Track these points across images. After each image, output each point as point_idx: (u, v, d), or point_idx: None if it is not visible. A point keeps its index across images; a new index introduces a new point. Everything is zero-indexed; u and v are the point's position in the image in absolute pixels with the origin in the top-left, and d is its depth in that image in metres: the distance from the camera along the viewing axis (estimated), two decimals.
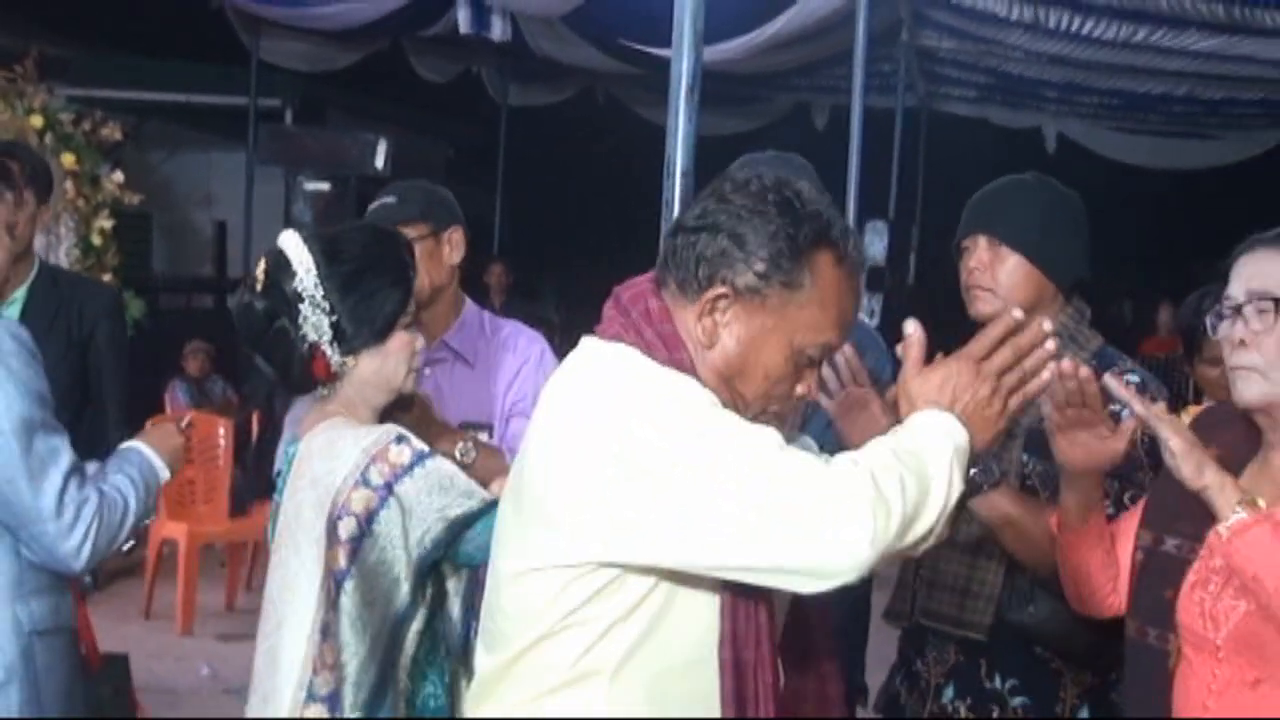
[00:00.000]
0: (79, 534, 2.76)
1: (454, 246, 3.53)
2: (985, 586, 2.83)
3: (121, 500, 2.86)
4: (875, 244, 8.13)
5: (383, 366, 2.55)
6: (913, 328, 1.93)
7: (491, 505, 2.38)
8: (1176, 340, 11.22)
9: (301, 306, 2.51)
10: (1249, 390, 2.35)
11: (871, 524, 1.77)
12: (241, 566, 7.54)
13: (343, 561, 2.38)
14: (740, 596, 1.96)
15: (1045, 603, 2.79)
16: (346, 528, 2.38)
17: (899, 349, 1.97)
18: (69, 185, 6.67)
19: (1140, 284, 12.68)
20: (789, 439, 1.98)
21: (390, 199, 3.59)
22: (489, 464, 2.91)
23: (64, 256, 6.56)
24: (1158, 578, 2.46)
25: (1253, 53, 7.72)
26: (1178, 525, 2.41)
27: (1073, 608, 2.67)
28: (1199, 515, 2.42)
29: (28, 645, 2.81)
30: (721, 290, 1.96)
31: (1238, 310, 2.34)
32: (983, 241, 3.02)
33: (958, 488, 1.84)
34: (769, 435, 1.87)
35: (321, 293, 2.52)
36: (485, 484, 2.62)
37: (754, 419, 1.97)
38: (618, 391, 1.95)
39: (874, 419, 2.68)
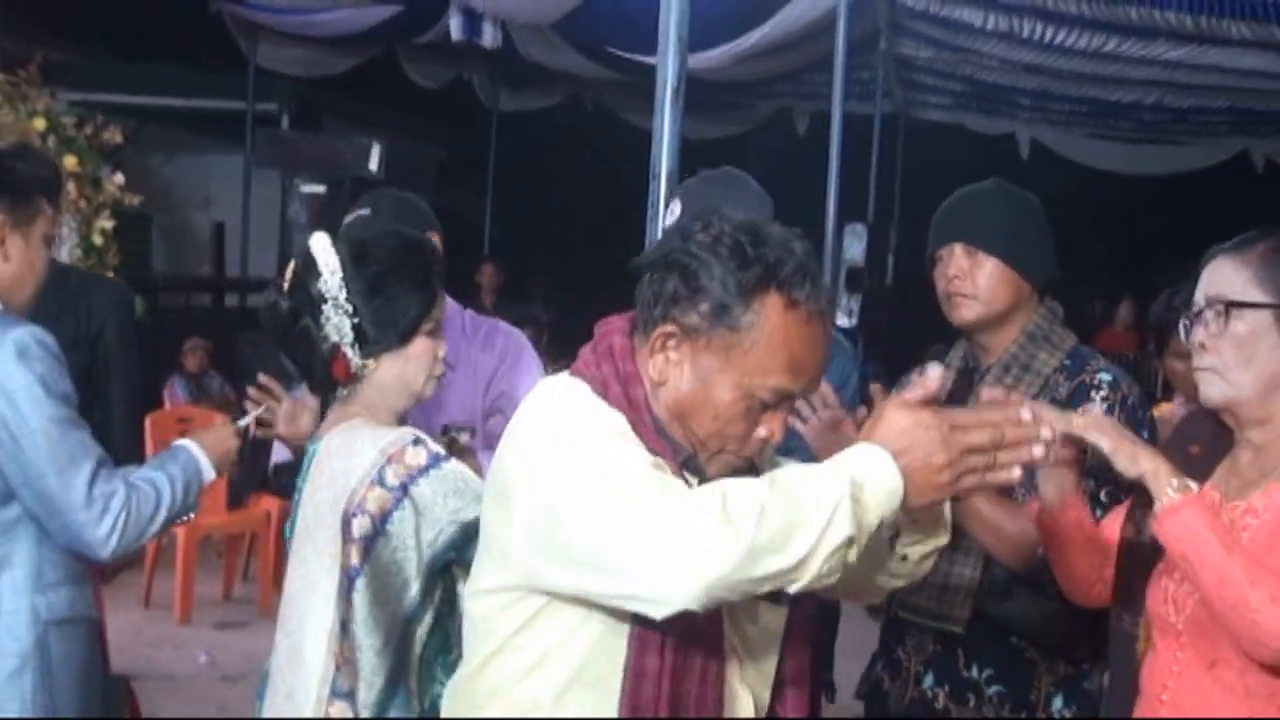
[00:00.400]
0: (107, 524, 2.80)
1: None
2: (963, 581, 2.83)
3: (154, 494, 2.90)
4: (854, 246, 8.13)
5: (403, 370, 2.53)
6: (935, 371, 1.87)
7: None
8: (1132, 335, 11.27)
9: (325, 307, 2.49)
10: (1211, 391, 2.38)
11: (704, 555, 1.71)
12: (238, 557, 7.54)
13: (355, 559, 2.35)
14: (661, 633, 1.90)
15: (1021, 596, 2.79)
16: (360, 526, 2.35)
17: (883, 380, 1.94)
18: (71, 187, 6.64)
19: (1112, 285, 12.70)
20: (770, 464, 1.98)
21: (364, 211, 3.59)
22: (467, 465, 2.92)
23: (66, 256, 6.53)
24: (1136, 567, 2.48)
25: (1219, 62, 7.75)
26: (1147, 517, 2.43)
27: (1066, 599, 2.67)
28: None
29: (43, 635, 2.85)
30: (669, 329, 1.93)
31: (1199, 315, 2.37)
32: (959, 249, 3.02)
33: (841, 529, 1.70)
34: (641, 469, 1.82)
35: (345, 294, 2.50)
36: None
37: (713, 460, 1.95)
38: (536, 426, 1.96)
39: (845, 440, 2.68)
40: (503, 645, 1.98)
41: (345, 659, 2.37)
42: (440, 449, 2.46)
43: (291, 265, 2.57)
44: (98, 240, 6.82)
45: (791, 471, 1.80)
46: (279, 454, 3.64)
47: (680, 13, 2.91)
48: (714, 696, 1.94)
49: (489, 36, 8.95)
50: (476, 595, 2.05)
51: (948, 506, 1.98)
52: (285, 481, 3.57)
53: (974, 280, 3.01)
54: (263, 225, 11.44)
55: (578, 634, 1.91)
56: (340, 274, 2.50)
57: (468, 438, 3.34)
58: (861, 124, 8.86)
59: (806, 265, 1.90)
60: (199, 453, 3.05)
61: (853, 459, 1.76)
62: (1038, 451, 1.75)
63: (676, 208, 3.30)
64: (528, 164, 13.36)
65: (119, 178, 7.01)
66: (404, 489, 2.39)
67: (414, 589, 2.39)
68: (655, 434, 1.96)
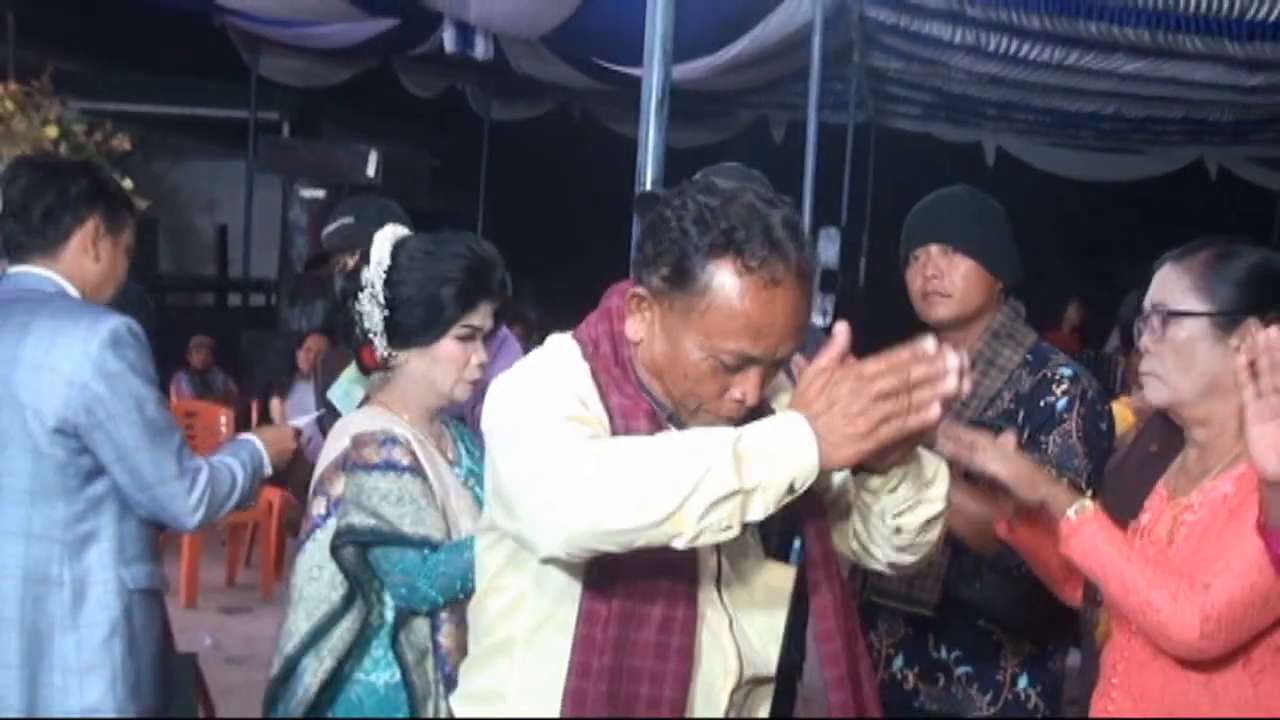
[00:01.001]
0: (195, 496, 2.91)
1: None
2: (932, 566, 2.82)
3: (229, 476, 3.00)
4: (828, 249, 8.14)
5: (430, 369, 2.55)
6: (841, 327, 1.80)
7: (424, 547, 2.41)
8: (1074, 337, 11.26)
9: (362, 295, 2.54)
10: (1154, 393, 2.39)
11: (567, 507, 1.71)
12: (241, 545, 7.53)
13: (304, 530, 2.46)
14: (612, 581, 1.88)
15: (989, 580, 2.80)
16: (318, 506, 2.43)
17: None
18: None
19: (1070, 287, 12.72)
20: None
21: (348, 219, 3.64)
22: None
23: None
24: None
25: (1175, 75, 7.77)
26: (1119, 512, 2.44)
27: (1031, 583, 2.68)
28: (1135, 502, 2.45)
29: (129, 604, 2.91)
30: (639, 290, 1.92)
31: (1146, 320, 2.38)
32: (935, 250, 3.02)
33: (718, 485, 1.66)
34: (559, 425, 1.80)
35: (382, 285, 2.52)
36: None
37: (693, 417, 1.92)
38: (504, 379, 1.96)
39: None
40: (490, 584, 2.01)
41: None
42: (413, 462, 2.47)
43: (359, 252, 2.63)
44: None
45: (686, 431, 1.79)
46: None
47: (665, 27, 2.91)
48: (679, 644, 1.89)
49: (481, 49, 8.93)
50: (478, 533, 2.09)
51: (932, 467, 1.93)
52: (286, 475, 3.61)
53: (950, 279, 3.01)
54: (264, 228, 11.42)
55: (547, 577, 1.91)
56: (384, 268, 2.53)
57: None
58: (835, 133, 8.87)
59: (770, 231, 1.82)
60: (261, 447, 3.12)
61: (755, 423, 1.74)
62: (950, 383, 1.67)
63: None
64: (518, 170, 13.34)
65: (127, 183, 6.95)
66: (352, 474, 2.45)
67: (335, 573, 2.47)
68: (638, 392, 1.95)
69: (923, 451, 1.92)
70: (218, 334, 9.29)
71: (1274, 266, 2.37)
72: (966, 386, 1.69)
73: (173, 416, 2.98)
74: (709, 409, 1.90)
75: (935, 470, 1.94)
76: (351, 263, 2.64)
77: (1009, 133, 12.26)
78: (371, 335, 2.55)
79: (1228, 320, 2.31)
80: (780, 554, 1.94)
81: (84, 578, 2.89)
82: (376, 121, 12.64)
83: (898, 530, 1.95)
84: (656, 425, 1.91)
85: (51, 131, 6.54)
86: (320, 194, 9.35)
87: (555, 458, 1.75)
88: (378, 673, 2.52)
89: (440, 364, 2.55)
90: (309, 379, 7.28)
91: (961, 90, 9.87)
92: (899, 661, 2.99)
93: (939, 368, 1.68)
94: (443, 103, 12.27)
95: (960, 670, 2.99)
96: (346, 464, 2.45)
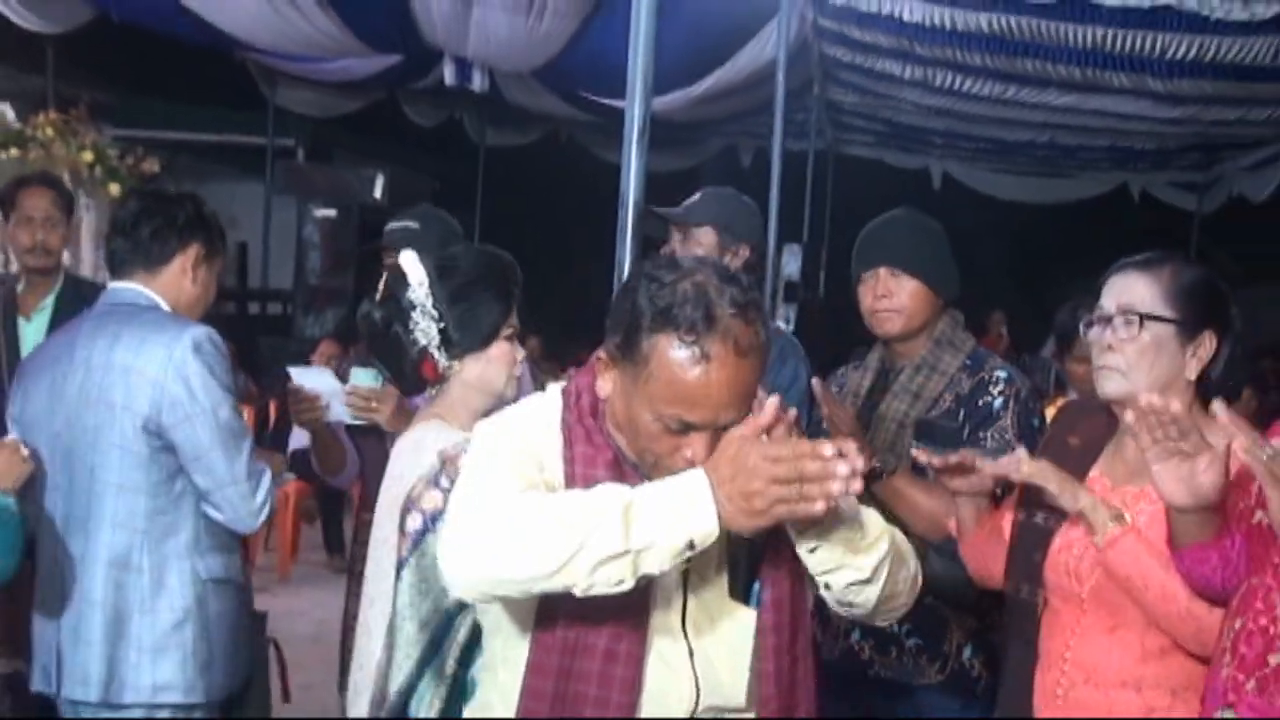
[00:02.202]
0: (260, 498, 2.92)
1: None
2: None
3: (270, 479, 2.98)
4: (791, 263, 8.16)
5: (484, 371, 2.51)
6: (771, 400, 1.74)
7: None
8: (999, 340, 11.27)
9: (414, 314, 2.48)
10: (1110, 386, 2.39)
11: (470, 556, 1.75)
12: (260, 530, 7.47)
13: (405, 550, 2.28)
14: (558, 612, 1.86)
15: (937, 562, 2.80)
16: (413, 522, 2.28)
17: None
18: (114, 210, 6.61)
19: (1006, 299, 12.75)
20: None
21: (414, 224, 3.59)
22: None
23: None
24: (1029, 544, 2.48)
25: (1101, 107, 7.81)
26: (1044, 502, 2.44)
27: (980, 586, 2.69)
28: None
29: (202, 592, 2.92)
30: (600, 353, 1.90)
31: (1108, 320, 2.38)
32: (883, 272, 3.04)
33: (605, 543, 1.65)
34: (498, 478, 1.82)
35: (432, 302, 2.48)
36: None
37: (652, 471, 1.86)
38: (488, 423, 2.00)
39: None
40: (480, 611, 2.03)
41: (388, 643, 2.31)
42: None
43: (383, 279, 2.55)
44: None
45: (593, 489, 1.76)
46: (297, 440, 3.63)
47: (645, 63, 2.91)
48: (624, 675, 1.86)
49: (477, 82, 8.93)
50: None
51: (871, 537, 1.88)
52: (302, 465, 3.57)
53: (898, 298, 3.03)
54: (281, 244, 11.38)
55: (509, 604, 1.91)
56: (427, 285, 2.48)
57: None
58: (797, 159, 8.88)
59: (710, 309, 1.76)
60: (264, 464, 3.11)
61: (660, 483, 1.73)
62: (835, 489, 1.62)
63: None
64: (511, 192, 13.32)
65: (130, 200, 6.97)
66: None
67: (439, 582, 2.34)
68: (605, 441, 1.93)
69: (866, 521, 1.88)
70: (238, 340, 9.21)
71: (1217, 283, 2.41)
72: (856, 486, 1.63)
73: (245, 423, 2.96)
74: (664, 465, 1.85)
75: (873, 541, 1.88)
76: (380, 290, 2.56)
77: (953, 159, 12.28)
78: (430, 350, 2.49)
79: (1191, 330, 2.33)
80: (744, 594, 1.90)
81: (162, 566, 2.90)
82: (383, 148, 12.62)
83: (826, 586, 1.90)
84: (618, 473, 1.89)
85: (88, 156, 6.53)
86: (332, 213, 9.35)
87: (471, 507, 1.77)
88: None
89: (494, 365, 2.51)
90: None
91: (910, 121, 9.90)
92: (856, 634, 2.99)
93: (828, 469, 1.62)
94: (442, 131, 12.25)
95: (911, 642, 3.00)
96: (440, 480, 2.28)
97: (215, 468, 2.87)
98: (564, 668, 1.87)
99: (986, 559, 2.61)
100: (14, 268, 4.84)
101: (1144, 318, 2.33)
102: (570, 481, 1.88)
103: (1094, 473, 2.48)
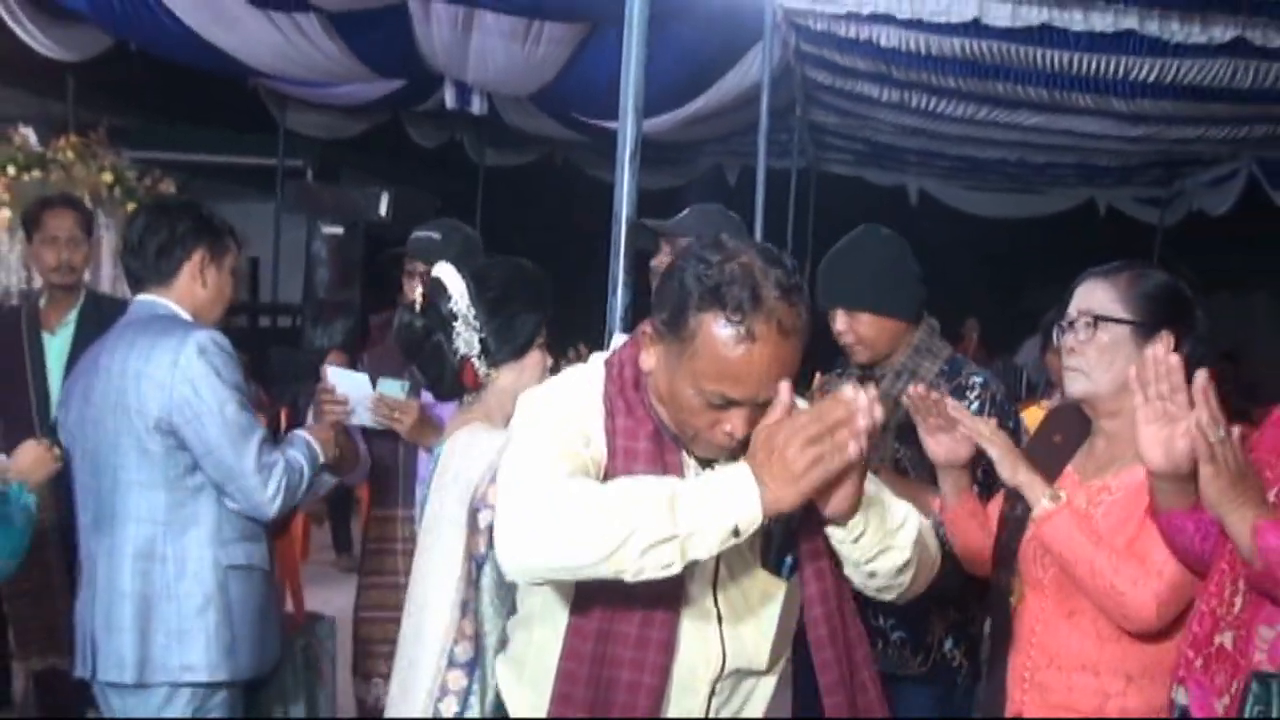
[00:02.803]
0: (272, 487, 2.93)
1: None
2: None
3: (300, 467, 3.03)
4: None
5: (519, 379, 2.49)
6: (784, 385, 1.77)
7: None
8: (973, 346, 11.33)
9: (455, 324, 2.47)
10: (1074, 386, 2.42)
11: (525, 543, 1.73)
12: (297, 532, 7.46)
13: (482, 547, 2.26)
14: (597, 615, 1.86)
15: None
16: (485, 518, 2.25)
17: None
18: None
19: (980, 307, 12.77)
20: None
21: (435, 234, 3.61)
22: None
23: (128, 288, 6.49)
24: (1011, 534, 2.51)
25: (1069, 127, 7.83)
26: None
27: (955, 561, 2.70)
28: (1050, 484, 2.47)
29: (223, 579, 2.95)
30: (647, 328, 1.91)
31: (1071, 325, 2.41)
32: (839, 313, 3.07)
33: (654, 529, 1.65)
34: (548, 459, 1.80)
35: (473, 313, 2.46)
36: None
37: (693, 444, 1.89)
38: (536, 392, 2.00)
39: None
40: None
41: (464, 634, 2.29)
42: None
43: (419, 291, 2.54)
44: None
45: (639, 479, 1.76)
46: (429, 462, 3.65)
47: (636, 87, 2.93)
48: (659, 638, 1.86)
49: (477, 105, 8.94)
50: None
51: (899, 516, 1.89)
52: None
53: (856, 333, 3.06)
54: (290, 260, 11.35)
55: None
56: (467, 296, 2.48)
57: None
58: (781, 176, 8.89)
59: (757, 290, 1.78)
60: (312, 440, 3.15)
61: (705, 475, 1.76)
62: (862, 423, 1.65)
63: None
64: (509, 210, 13.32)
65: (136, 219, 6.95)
66: None
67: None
68: (646, 413, 1.92)
69: (889, 500, 1.90)
70: (250, 351, 9.20)
71: (1180, 290, 2.42)
72: (879, 414, 1.66)
73: (255, 418, 2.99)
74: (704, 438, 1.87)
75: (903, 518, 1.90)
76: (419, 302, 2.54)
77: (929, 177, 12.30)
78: (470, 358, 2.47)
79: (1147, 330, 2.35)
80: (775, 567, 1.92)
81: (183, 555, 2.94)
82: (387, 168, 12.61)
83: (871, 575, 1.91)
84: (658, 445, 1.89)
85: (107, 177, 6.52)
86: (339, 230, 9.32)
87: (526, 495, 1.75)
88: None
89: (529, 372, 2.51)
90: None
91: (888, 140, 9.92)
92: None
93: (851, 409, 1.66)
94: (444, 151, 12.25)
95: (895, 635, 3.02)
96: None
97: (225, 461, 2.90)
98: (602, 631, 1.86)
99: (968, 535, 2.63)
100: (36, 284, 4.83)
101: (1099, 319, 2.36)
102: (613, 453, 1.87)
103: (1068, 468, 2.51)
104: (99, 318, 4.38)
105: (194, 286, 3.07)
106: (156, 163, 7.67)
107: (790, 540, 1.92)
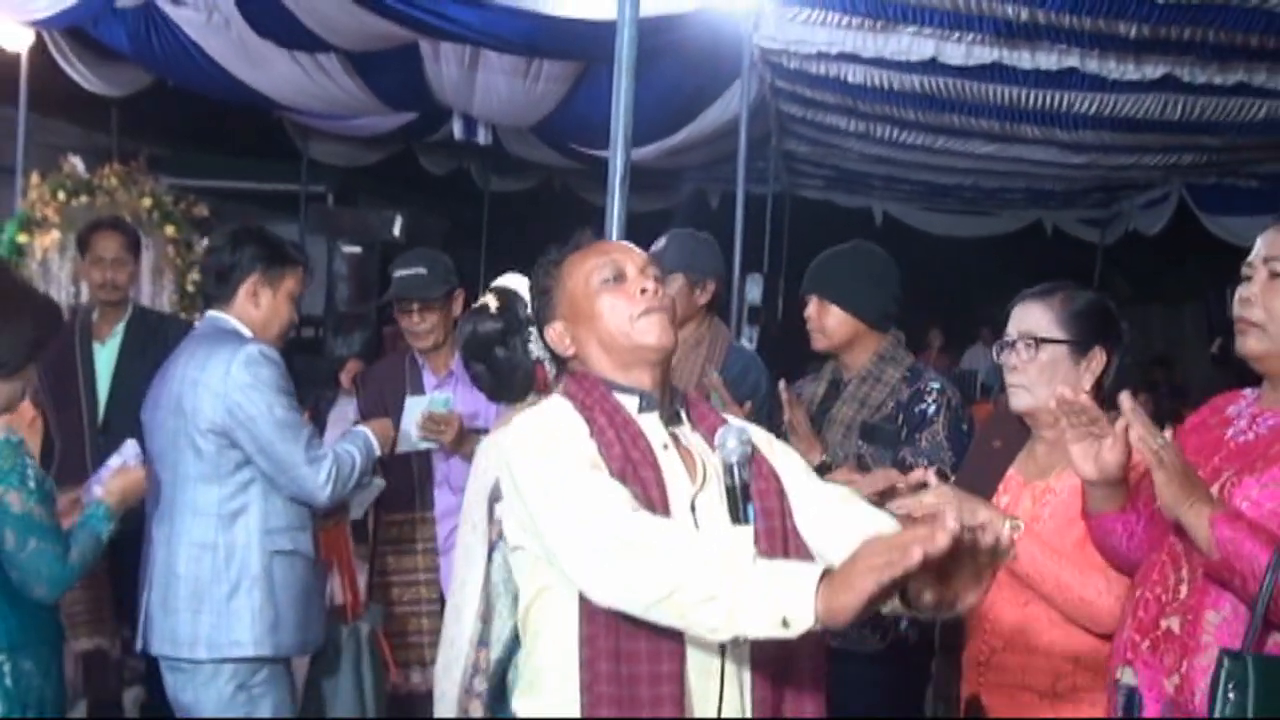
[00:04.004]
0: (322, 476, 2.98)
1: (458, 304, 3.57)
2: None
3: (350, 459, 3.07)
4: (753, 290, 8.17)
5: None
6: (916, 552, 1.43)
7: None
8: (935, 354, 11.28)
9: (531, 330, 2.37)
10: (1019, 401, 2.43)
11: (606, 589, 1.67)
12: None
13: (494, 535, 2.23)
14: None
15: None
16: (499, 510, 2.17)
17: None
18: (170, 249, 6.60)
19: (937, 318, 12.81)
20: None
21: (421, 270, 3.57)
22: None
23: (166, 301, 6.49)
24: None
25: (1018, 155, 7.86)
26: (982, 493, 2.47)
27: None
28: (987, 485, 2.48)
29: (268, 564, 2.99)
30: (549, 334, 2.06)
31: (1012, 345, 2.41)
32: (814, 300, 3.09)
33: (700, 588, 1.55)
34: (583, 480, 1.76)
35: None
36: None
37: (637, 333, 1.90)
38: (525, 420, 1.95)
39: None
40: (528, 584, 1.92)
41: (486, 616, 2.26)
42: None
43: (492, 299, 2.47)
44: (190, 289, 6.76)
45: (761, 569, 1.57)
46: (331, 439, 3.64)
47: (626, 119, 2.94)
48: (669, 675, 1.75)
49: (482, 136, 8.94)
50: (511, 551, 1.98)
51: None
52: None
53: (822, 322, 3.07)
54: (313, 277, 11.32)
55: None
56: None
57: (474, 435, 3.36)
58: (758, 200, 8.92)
59: (579, 243, 2.03)
60: (370, 434, 3.21)
61: (776, 563, 1.60)
62: (940, 544, 1.42)
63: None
64: (511, 231, 13.30)
65: (205, 242, 6.94)
66: None
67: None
68: (605, 394, 1.90)
69: (884, 524, 1.84)
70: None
71: (1108, 307, 2.43)
72: (944, 542, 1.42)
73: (301, 417, 3.04)
74: (639, 328, 1.90)
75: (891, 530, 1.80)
76: (493, 308, 2.47)
77: (892, 200, 12.34)
78: (544, 362, 2.39)
79: (1081, 348, 2.36)
80: (742, 516, 1.84)
81: (232, 542, 2.99)
82: (401, 193, 12.61)
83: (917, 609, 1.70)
84: (625, 425, 1.86)
85: (146, 202, 6.51)
86: (357, 250, 9.33)
87: (588, 537, 1.68)
88: None
89: None
90: (349, 393, 7.25)
91: (855, 167, 9.94)
92: None
93: (933, 536, 1.43)
94: (452, 178, 12.26)
95: None
96: None
97: (277, 456, 2.95)
98: (612, 621, 1.76)
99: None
100: (84, 298, 4.84)
101: (1039, 341, 2.37)
102: (608, 459, 1.82)
103: (1011, 470, 2.51)
104: (144, 329, 4.41)
105: (249, 306, 3.12)
106: (191, 189, 7.64)
107: (747, 490, 1.85)
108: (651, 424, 1.91)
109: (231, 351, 2.97)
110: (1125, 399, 1.96)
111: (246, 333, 3.09)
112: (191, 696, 3.00)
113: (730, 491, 1.83)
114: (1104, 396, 2.34)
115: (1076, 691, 2.31)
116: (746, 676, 1.82)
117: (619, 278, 1.91)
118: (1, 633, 2.51)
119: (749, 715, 1.82)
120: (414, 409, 3.38)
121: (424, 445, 3.37)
